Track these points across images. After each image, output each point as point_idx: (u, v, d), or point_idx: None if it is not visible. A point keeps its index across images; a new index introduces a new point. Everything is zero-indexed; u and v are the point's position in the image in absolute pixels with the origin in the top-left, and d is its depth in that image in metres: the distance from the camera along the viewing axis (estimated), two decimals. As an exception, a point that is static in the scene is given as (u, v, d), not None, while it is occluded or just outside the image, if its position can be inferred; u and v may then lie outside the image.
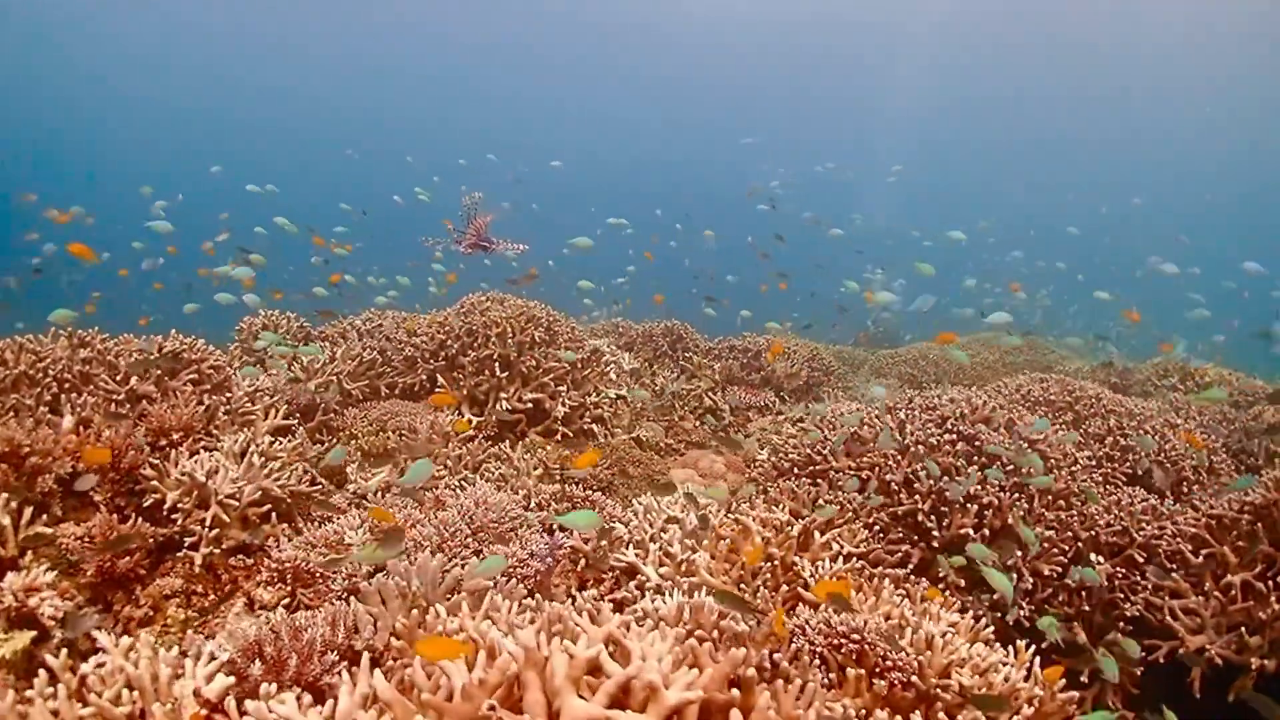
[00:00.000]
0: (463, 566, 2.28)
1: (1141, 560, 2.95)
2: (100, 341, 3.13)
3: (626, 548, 2.69)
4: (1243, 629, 2.66)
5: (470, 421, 4.17)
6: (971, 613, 2.38)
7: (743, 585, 2.48)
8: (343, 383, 4.29)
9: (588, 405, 4.54)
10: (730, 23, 30.17)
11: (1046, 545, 2.91)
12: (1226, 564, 2.84)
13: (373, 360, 4.62)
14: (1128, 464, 3.69)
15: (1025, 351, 8.31)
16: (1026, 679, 2.03)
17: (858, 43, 30.54)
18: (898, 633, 2.02)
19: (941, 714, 1.81)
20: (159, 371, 3.20)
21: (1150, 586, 2.86)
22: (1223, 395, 3.86)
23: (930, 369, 7.74)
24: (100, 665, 1.57)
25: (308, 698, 1.43)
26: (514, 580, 2.25)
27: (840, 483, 3.19)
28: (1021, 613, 2.74)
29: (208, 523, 2.52)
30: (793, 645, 1.94)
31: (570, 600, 2.35)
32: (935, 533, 2.90)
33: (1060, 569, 2.86)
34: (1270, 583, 2.72)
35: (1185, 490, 3.61)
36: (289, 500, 2.88)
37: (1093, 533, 3.00)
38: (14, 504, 2.26)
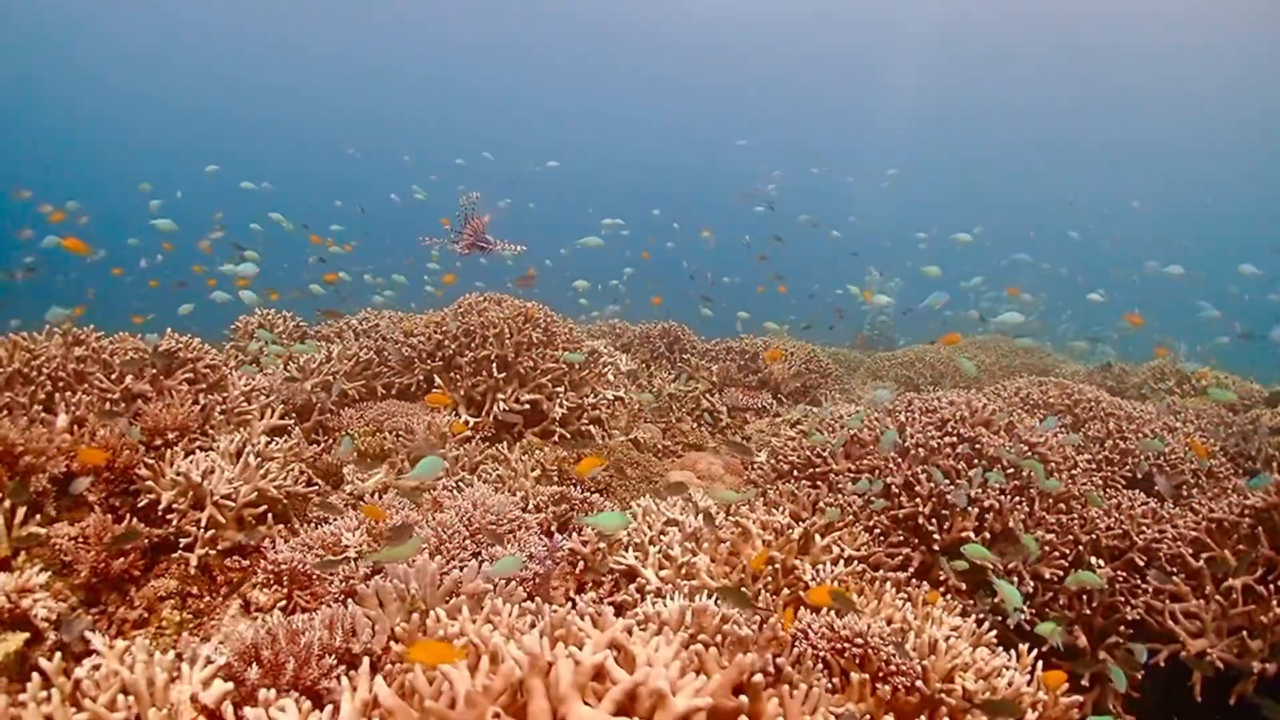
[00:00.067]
0: (461, 569, 2.26)
1: (1142, 564, 2.94)
2: (95, 340, 3.10)
3: (626, 550, 2.67)
4: (1244, 633, 2.66)
5: (467, 423, 4.15)
6: (974, 616, 2.37)
7: (744, 588, 2.46)
8: (339, 382, 4.26)
9: (585, 406, 4.51)
10: (730, 23, 30.19)
11: (1047, 549, 2.90)
12: (1227, 568, 2.84)
13: (369, 360, 4.59)
14: (1127, 467, 3.69)
15: (1022, 355, 8.32)
16: (1030, 683, 2.01)
17: (856, 44, 30.60)
18: (901, 636, 2.01)
19: (946, 719, 1.80)
20: (154, 370, 3.17)
21: (1151, 590, 2.85)
22: (1231, 397, 3.86)
23: (927, 371, 7.74)
24: (95, 668, 1.54)
25: (307, 703, 1.41)
26: (513, 583, 2.23)
27: (840, 485, 3.18)
28: (1023, 616, 2.73)
29: (203, 523, 2.49)
30: (795, 649, 1.92)
31: (570, 603, 2.33)
32: (936, 536, 2.88)
33: (1061, 572, 2.85)
34: (1271, 586, 2.71)
35: (1184, 494, 3.61)
36: (285, 501, 2.85)
37: (1093, 536, 2.99)
38: (7, 504, 2.23)
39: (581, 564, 2.73)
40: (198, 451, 2.84)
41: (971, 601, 2.75)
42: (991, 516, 2.91)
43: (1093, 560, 2.93)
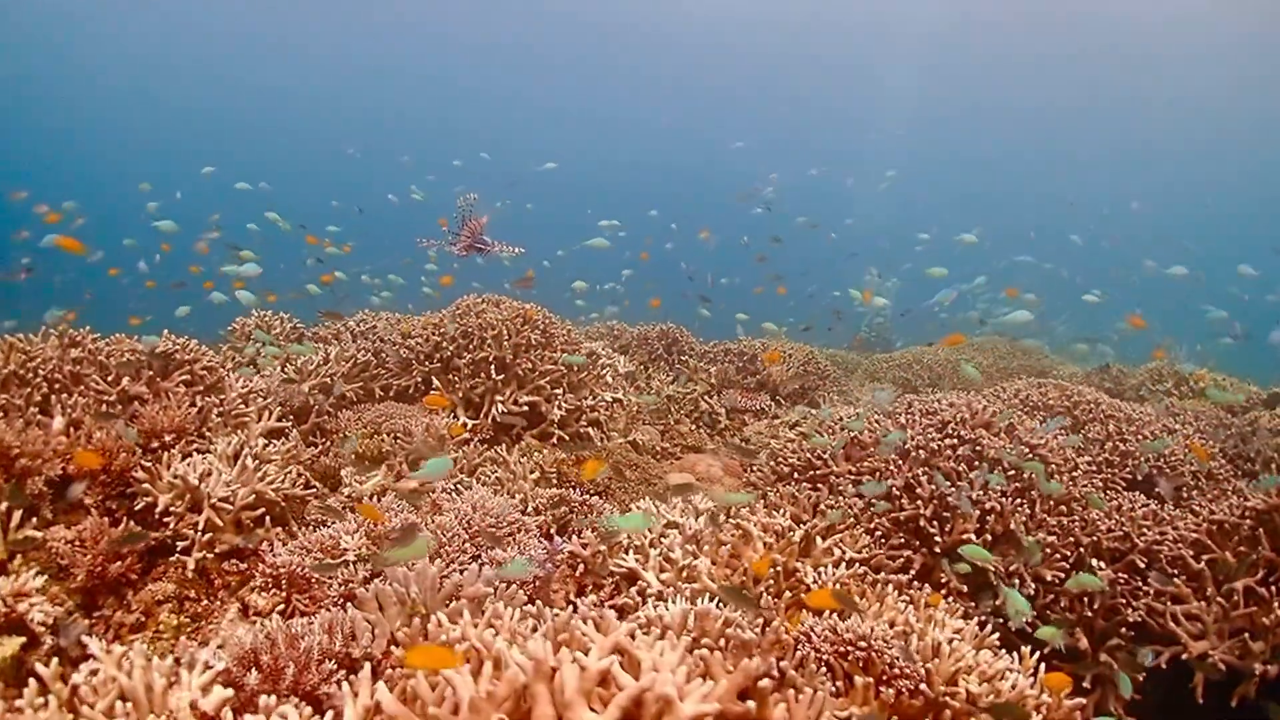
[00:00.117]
0: (461, 572, 2.25)
1: (1143, 565, 2.93)
2: (91, 341, 3.08)
3: (626, 553, 2.65)
4: (1246, 635, 2.66)
5: (465, 425, 4.13)
6: (976, 619, 2.35)
7: (745, 591, 2.45)
8: (339, 383, 4.24)
9: (584, 408, 4.50)
10: (730, 23, 30.16)
11: (1048, 550, 2.89)
12: (1228, 570, 2.83)
13: (366, 362, 4.57)
14: (1127, 469, 3.68)
15: (1019, 356, 8.33)
16: (1032, 686, 2.00)
17: (856, 45, 30.63)
18: (904, 639, 2.00)
19: (949, 723, 1.79)
20: (151, 372, 3.15)
21: (1152, 592, 2.84)
22: (1236, 398, 3.86)
23: (924, 373, 7.74)
24: (93, 673, 1.52)
25: (307, 709, 1.39)
26: (514, 586, 2.22)
27: (840, 487, 3.17)
28: (1025, 621, 2.72)
29: (201, 526, 2.48)
30: (798, 652, 1.91)
31: (571, 607, 2.32)
32: (937, 538, 2.87)
33: (1062, 574, 2.85)
34: (1272, 588, 2.71)
35: (1184, 496, 3.61)
36: (283, 504, 2.83)
37: (1094, 538, 2.99)
38: (3, 507, 2.21)
39: (581, 567, 2.72)
40: (195, 454, 2.82)
41: (973, 604, 2.74)
42: (993, 519, 2.90)
43: (1094, 562, 2.92)
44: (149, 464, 2.63)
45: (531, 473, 3.78)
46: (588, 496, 3.46)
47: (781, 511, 2.90)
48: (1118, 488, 3.56)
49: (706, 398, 5.74)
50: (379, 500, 3.16)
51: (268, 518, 2.67)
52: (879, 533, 2.94)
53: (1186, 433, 4.05)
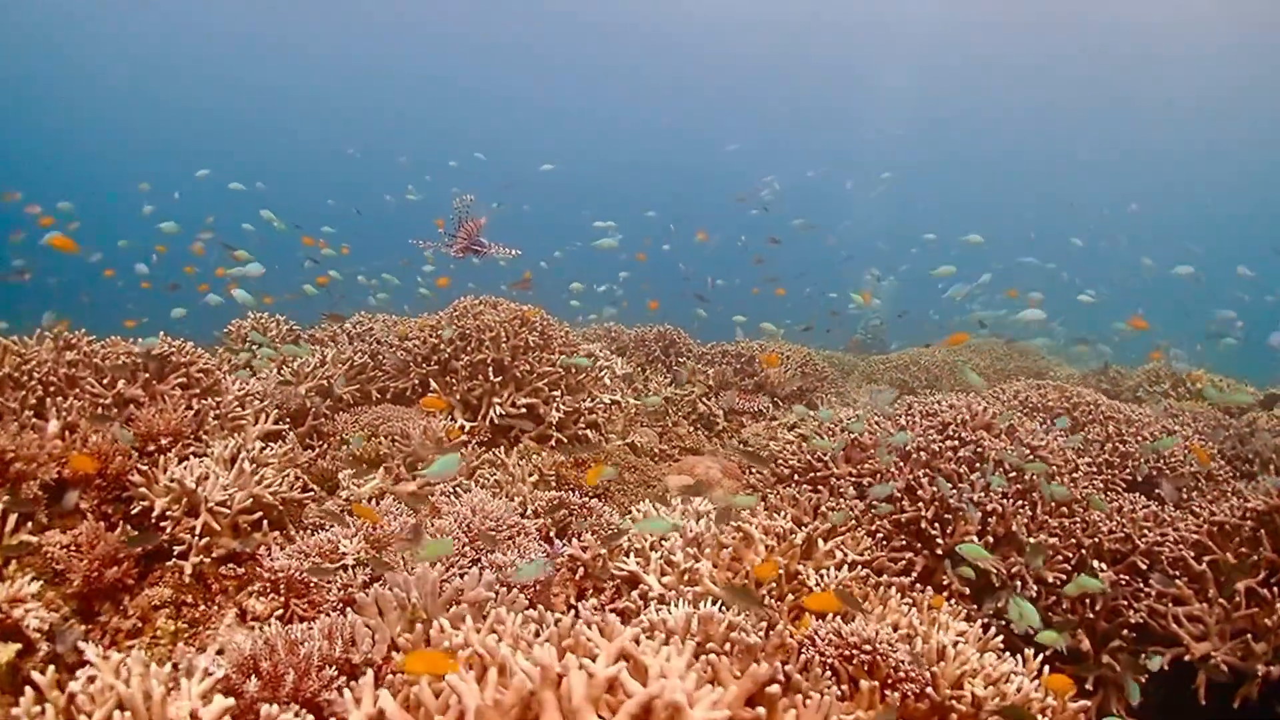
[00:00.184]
0: (461, 576, 2.23)
1: (1144, 567, 2.93)
2: (86, 344, 3.05)
3: (627, 556, 2.64)
4: (1248, 636, 2.65)
5: (463, 427, 4.11)
6: (980, 621, 2.34)
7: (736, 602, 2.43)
8: (334, 386, 4.22)
9: (582, 411, 4.48)
10: (730, 23, 30.12)
11: (1050, 552, 2.89)
12: (1230, 571, 2.83)
13: (363, 364, 4.55)
14: (1127, 470, 3.68)
15: (1016, 358, 8.33)
16: (1038, 689, 1.99)
17: (855, 47, 30.63)
18: (908, 642, 1.98)
19: (955, 727, 1.78)
20: (147, 375, 3.13)
21: (1154, 593, 2.84)
22: (1246, 398, 3.85)
23: (921, 374, 7.74)
24: (90, 680, 1.50)
25: (309, 716, 1.37)
26: (514, 590, 2.20)
27: (841, 489, 3.16)
28: (1019, 609, 2.71)
29: (198, 531, 2.45)
30: (802, 656, 1.89)
31: (572, 611, 2.30)
32: (939, 540, 2.86)
33: (1064, 576, 2.84)
34: (1274, 589, 2.70)
35: (1185, 496, 3.60)
36: (280, 507, 2.81)
37: (1096, 539, 2.98)
38: (-3, 512, 2.19)
39: (581, 570, 2.70)
40: (191, 457, 2.79)
41: (975, 606, 2.73)
42: (994, 520, 2.89)
43: (1095, 564, 2.91)
44: (145, 467, 2.60)
45: (530, 475, 3.76)
46: (587, 499, 3.44)
47: (782, 514, 2.89)
48: (1118, 489, 3.55)
49: (704, 399, 5.72)
50: (377, 503, 3.15)
51: (265, 521, 2.65)
52: (880, 535, 2.93)
53: (1186, 434, 4.05)
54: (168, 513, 2.47)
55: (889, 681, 1.83)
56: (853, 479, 3.22)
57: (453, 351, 4.36)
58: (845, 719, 1.68)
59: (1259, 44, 24.47)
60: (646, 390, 5.69)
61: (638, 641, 1.43)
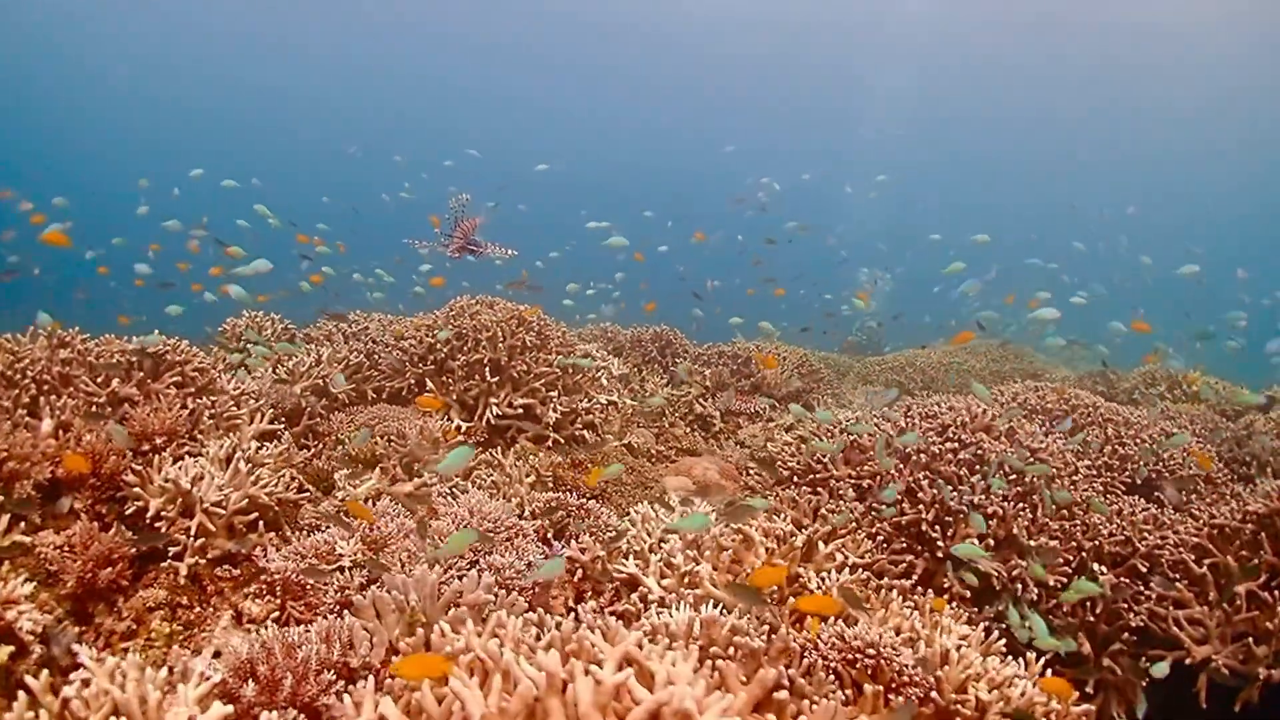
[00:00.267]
0: (460, 578, 2.20)
1: (1145, 570, 2.92)
2: (80, 342, 3.02)
3: (626, 558, 2.62)
4: (1249, 639, 2.65)
5: (459, 427, 4.08)
6: (983, 625, 2.33)
7: (738, 601, 2.42)
8: (330, 385, 4.18)
9: (579, 411, 4.46)
10: (730, 23, 30.09)
11: (1052, 555, 2.88)
12: (1230, 574, 2.82)
13: (359, 364, 4.52)
14: (1126, 473, 3.68)
15: (1011, 360, 8.33)
16: (1041, 692, 1.98)
17: (855, 48, 30.63)
18: (912, 646, 1.97)
19: (959, 732, 1.76)
20: (141, 374, 3.09)
21: (1155, 596, 2.83)
22: (1256, 399, 3.85)
23: (917, 376, 7.74)
24: (85, 684, 1.47)
25: (308, 721, 1.35)
26: (514, 593, 2.18)
27: (841, 491, 3.15)
28: (1026, 622, 2.70)
29: (193, 531, 2.42)
30: (804, 659, 1.88)
31: (571, 614, 2.28)
32: (940, 543, 2.85)
33: (1065, 579, 2.83)
34: (1275, 592, 2.70)
35: (1186, 500, 3.60)
36: (276, 508, 2.78)
37: (1096, 542, 2.97)
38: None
39: (580, 572, 2.68)
40: (186, 457, 2.76)
41: (976, 609, 2.72)
42: (995, 523, 2.88)
43: (1096, 567, 2.90)
44: (139, 467, 2.57)
45: (527, 476, 3.74)
46: (585, 500, 3.42)
47: (782, 516, 2.88)
48: (1117, 492, 3.55)
49: (701, 400, 5.71)
50: (373, 504, 3.12)
51: (261, 522, 2.62)
52: (881, 537, 2.92)
53: (1164, 446, 4.04)
54: (162, 513, 2.44)
55: (893, 685, 1.82)
56: (852, 481, 3.21)
57: (449, 351, 4.34)
58: (850, 724, 1.67)
59: (1260, 46, 24.59)
60: (643, 391, 5.67)
61: (640, 646, 1.41)
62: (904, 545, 2.91)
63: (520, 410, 4.23)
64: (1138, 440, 3.82)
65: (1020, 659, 2.18)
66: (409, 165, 17.14)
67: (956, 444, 3.21)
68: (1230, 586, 2.76)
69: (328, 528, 2.69)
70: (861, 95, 35.10)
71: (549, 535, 3.07)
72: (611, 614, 2.32)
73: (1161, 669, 2.59)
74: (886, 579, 2.64)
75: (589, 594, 2.64)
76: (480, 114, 40.54)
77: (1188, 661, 2.67)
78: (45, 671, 1.48)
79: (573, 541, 2.84)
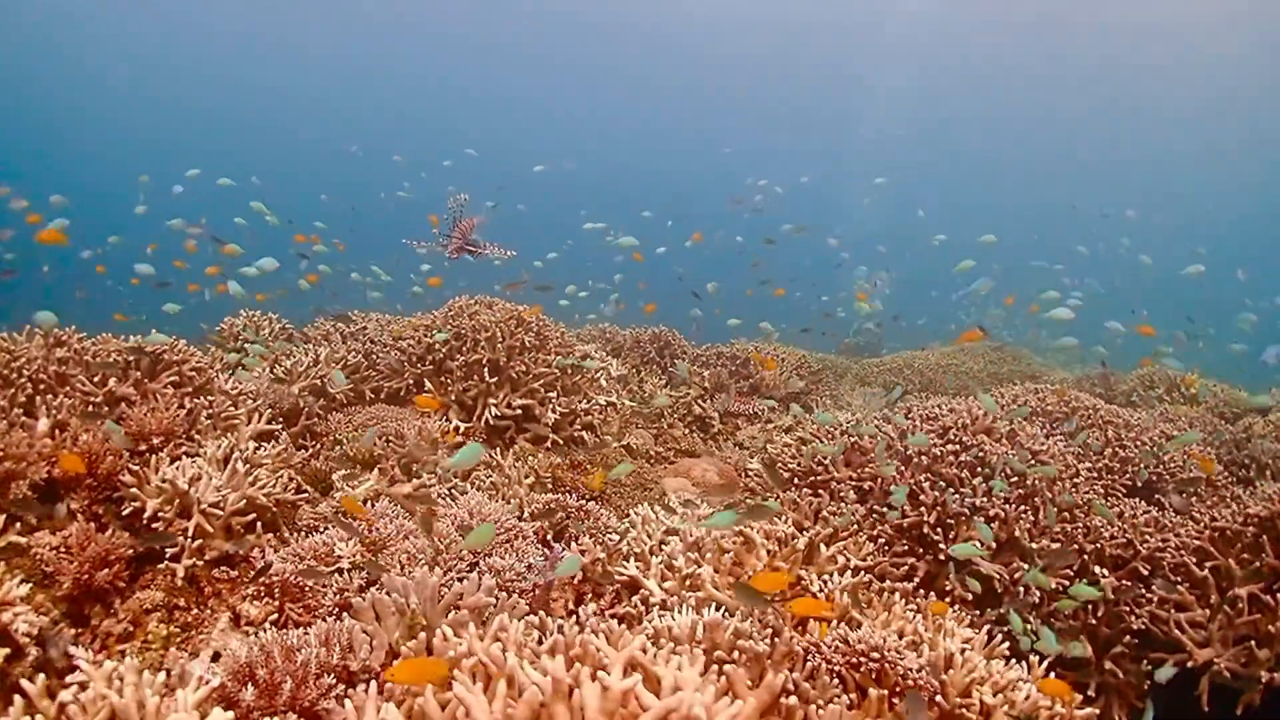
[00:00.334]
0: (460, 581, 2.19)
1: (1146, 573, 2.91)
2: (77, 341, 3.00)
3: (627, 560, 2.60)
4: (1251, 642, 2.64)
5: (458, 428, 4.07)
6: (985, 628, 2.32)
7: (742, 601, 2.40)
8: (329, 385, 4.16)
9: (578, 412, 4.45)
10: (730, 23, 30.08)
11: (1053, 558, 2.86)
12: (1232, 577, 2.82)
13: (357, 364, 4.50)
14: (1127, 475, 3.67)
15: (1009, 362, 8.32)
16: (1045, 696, 1.97)
17: (855, 49, 30.65)
18: (914, 649, 1.96)
19: (964, 736, 1.75)
20: (138, 373, 3.07)
21: (1156, 599, 2.82)
22: (1267, 401, 3.84)
23: (915, 378, 7.73)
24: (82, 687, 1.46)
25: (308, 726, 1.33)
26: (514, 596, 2.16)
27: (842, 493, 3.13)
28: (1029, 627, 2.69)
29: (190, 532, 2.40)
30: (808, 663, 1.86)
31: (573, 617, 2.26)
32: (942, 545, 2.84)
33: (1066, 581, 2.82)
34: (1277, 595, 2.69)
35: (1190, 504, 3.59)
36: (274, 509, 2.76)
37: (1098, 545, 2.96)
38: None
39: (580, 574, 2.66)
40: (184, 457, 2.74)
41: (978, 612, 2.70)
42: (997, 526, 2.87)
43: (1097, 569, 2.90)
44: (136, 467, 2.55)
45: (526, 477, 3.72)
46: (584, 502, 3.40)
47: (783, 518, 2.86)
48: (1118, 494, 3.54)
49: (700, 401, 5.70)
50: (372, 505, 3.10)
51: (259, 523, 2.60)
52: (882, 540, 2.90)
53: (1175, 444, 4.04)
54: (160, 514, 2.42)
55: (897, 690, 1.80)
56: (853, 483, 3.20)
57: (448, 351, 4.32)
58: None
59: (1260, 46, 24.63)
60: (641, 392, 5.66)
61: (645, 650, 1.40)
62: (906, 548, 2.90)
63: (519, 411, 4.22)
64: (1138, 443, 3.81)
65: (1023, 662, 2.17)
66: (408, 165, 17.11)
67: (958, 446, 3.19)
68: (1232, 589, 2.76)
69: (326, 529, 2.67)
70: (861, 95, 35.10)
71: (548, 537, 3.06)
72: (613, 616, 2.31)
73: (1166, 673, 2.58)
74: (888, 581, 2.62)
75: (589, 596, 2.62)
76: (480, 114, 40.52)
77: (1190, 664, 2.66)
78: (41, 676, 1.46)
79: (573, 543, 2.82)
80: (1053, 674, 2.17)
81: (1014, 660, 2.14)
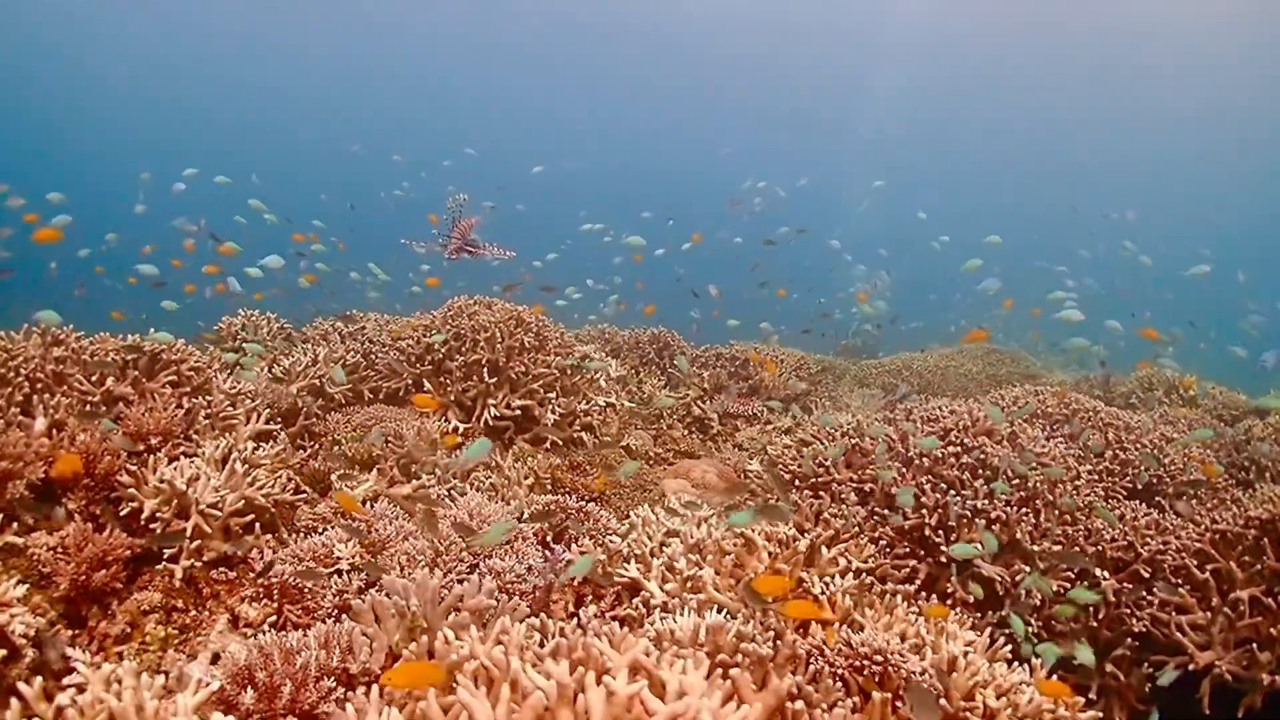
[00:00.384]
0: (461, 582, 2.18)
1: (1147, 575, 2.91)
2: (75, 339, 2.98)
3: (628, 562, 2.59)
4: (1252, 645, 2.63)
5: (457, 429, 4.06)
6: (988, 631, 2.31)
7: (748, 603, 2.39)
8: (327, 385, 4.15)
9: (577, 413, 4.44)
10: (730, 23, 30.07)
11: (1055, 560, 2.86)
12: (1233, 579, 2.81)
13: (356, 364, 4.48)
14: (1128, 478, 3.66)
15: (1008, 363, 8.32)
16: (1048, 699, 1.96)
17: (855, 50, 30.66)
18: (917, 652, 1.95)
19: (967, 740, 1.74)
20: (136, 373, 3.06)
21: (1157, 602, 2.82)
22: (1268, 402, 3.84)
23: (914, 379, 7.72)
24: (79, 689, 1.44)
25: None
26: (515, 598, 2.15)
27: (843, 495, 3.12)
28: (1030, 629, 2.68)
29: (188, 533, 2.39)
30: (810, 666, 1.85)
31: (573, 619, 2.25)
32: (943, 547, 2.83)
33: (1068, 584, 2.81)
34: (1278, 598, 2.69)
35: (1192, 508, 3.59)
36: (273, 510, 2.75)
37: (1099, 547, 2.96)
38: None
39: (580, 576, 2.65)
40: (182, 457, 2.73)
41: (979, 614, 2.70)
42: (998, 528, 2.87)
43: (1098, 572, 2.89)
44: (134, 468, 2.54)
45: (526, 479, 3.71)
46: (584, 503, 3.39)
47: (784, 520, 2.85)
48: (1119, 496, 3.54)
49: (699, 402, 5.69)
50: (371, 506, 3.09)
51: (257, 524, 2.59)
52: (883, 542, 2.90)
53: (1185, 442, 4.03)
54: (158, 514, 2.40)
55: (901, 693, 1.79)
56: (854, 485, 3.19)
57: (447, 352, 4.31)
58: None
59: (1260, 48, 24.66)
60: (640, 393, 5.65)
61: (648, 653, 1.39)
62: (907, 550, 2.89)
63: (518, 412, 4.21)
64: (1138, 445, 3.80)
65: (1025, 664, 2.16)
66: (408, 165, 17.10)
67: (959, 448, 3.19)
68: (1233, 592, 2.75)
69: (325, 530, 2.66)
70: (861, 97, 35.10)
71: (548, 538, 3.04)
72: (613, 618, 2.30)
73: (1169, 676, 2.58)
74: (890, 584, 2.62)
75: (589, 598, 2.61)
76: (480, 114, 40.48)
77: (1191, 667, 2.66)
78: (39, 678, 1.45)
79: (572, 545, 2.81)
80: (1054, 676, 2.16)
81: (1016, 663, 2.13)
